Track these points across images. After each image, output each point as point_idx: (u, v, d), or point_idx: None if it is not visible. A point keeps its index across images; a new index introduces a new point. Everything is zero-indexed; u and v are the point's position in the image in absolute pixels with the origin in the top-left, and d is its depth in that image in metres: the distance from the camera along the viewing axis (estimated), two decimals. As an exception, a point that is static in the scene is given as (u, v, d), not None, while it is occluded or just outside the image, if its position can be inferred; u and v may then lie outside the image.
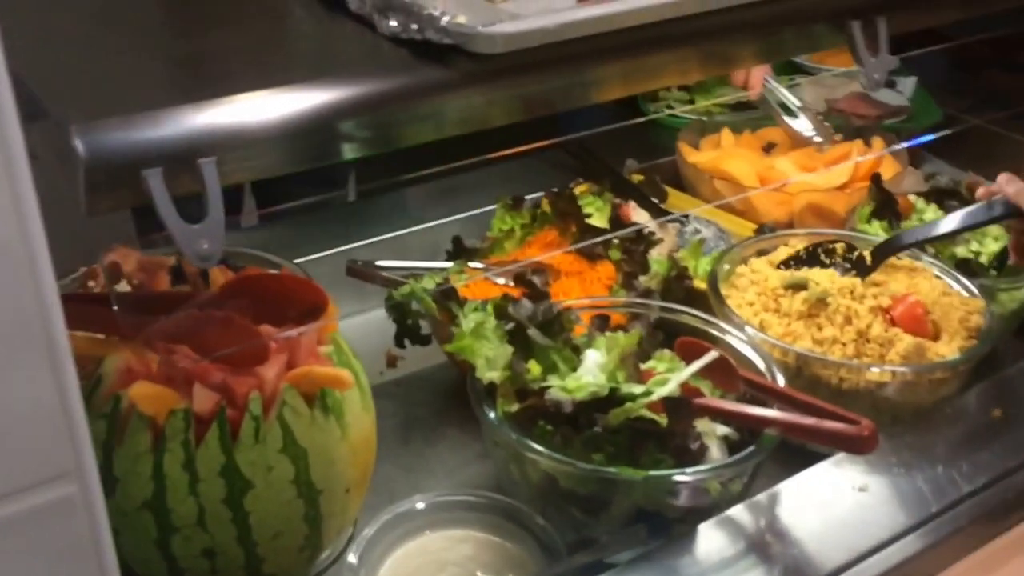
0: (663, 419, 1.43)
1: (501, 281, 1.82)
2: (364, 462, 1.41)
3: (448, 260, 1.93)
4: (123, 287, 1.62)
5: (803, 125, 2.41)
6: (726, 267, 1.86)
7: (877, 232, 1.98)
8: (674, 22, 1.20)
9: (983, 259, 1.94)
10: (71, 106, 0.98)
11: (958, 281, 1.84)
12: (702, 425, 1.48)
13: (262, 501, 1.28)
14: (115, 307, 1.34)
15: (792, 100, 2.44)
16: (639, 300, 1.72)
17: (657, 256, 1.87)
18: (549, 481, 1.43)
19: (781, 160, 2.32)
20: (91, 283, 1.69)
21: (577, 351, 1.54)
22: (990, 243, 1.97)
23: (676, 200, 2.31)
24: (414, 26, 1.12)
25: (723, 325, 1.67)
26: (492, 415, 1.46)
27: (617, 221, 1.96)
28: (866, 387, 1.63)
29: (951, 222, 1.81)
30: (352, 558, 1.37)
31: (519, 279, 1.73)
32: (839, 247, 1.91)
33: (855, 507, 1.47)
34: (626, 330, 1.56)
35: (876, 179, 2.09)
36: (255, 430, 1.27)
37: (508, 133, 1.26)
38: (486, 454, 1.64)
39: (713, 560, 1.39)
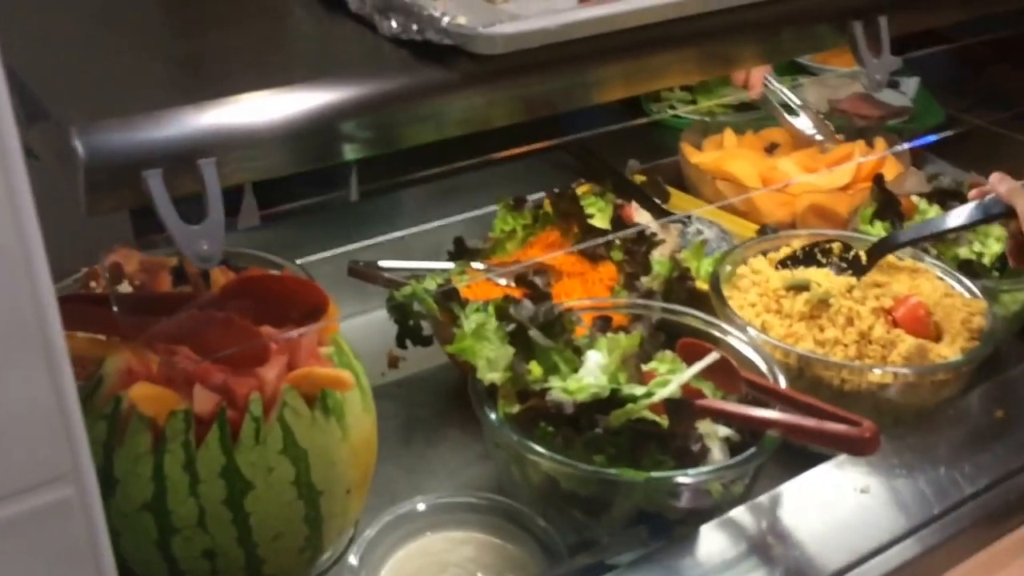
0: (664, 420, 1.43)
1: (503, 282, 1.82)
2: (365, 463, 1.41)
3: (450, 261, 1.93)
4: (125, 288, 1.62)
5: (804, 124, 2.41)
6: (728, 268, 1.86)
7: (879, 233, 1.98)
8: (675, 23, 1.19)
9: (985, 260, 1.94)
10: (71, 107, 0.97)
11: (960, 282, 1.84)
12: (704, 426, 1.48)
13: (263, 502, 1.28)
14: (115, 308, 1.34)
15: (792, 99, 2.44)
16: (641, 301, 1.72)
17: (659, 257, 1.87)
18: (550, 482, 1.43)
19: (783, 161, 2.32)
20: (93, 283, 1.68)
21: (578, 352, 1.53)
22: (992, 244, 1.97)
23: (678, 201, 2.31)
24: (414, 27, 1.11)
25: (725, 326, 1.67)
26: (493, 416, 1.46)
27: (619, 222, 1.95)
28: (868, 388, 1.63)
29: (944, 221, 1.81)
30: (353, 559, 1.37)
31: (521, 280, 1.72)
32: (835, 246, 1.91)
33: (857, 509, 1.47)
34: (628, 331, 1.56)
35: (878, 180, 2.09)
36: (255, 431, 1.27)
37: (510, 133, 1.26)
38: (487, 455, 1.64)
39: (714, 562, 1.38)
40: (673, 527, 1.43)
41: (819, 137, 2.39)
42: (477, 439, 1.66)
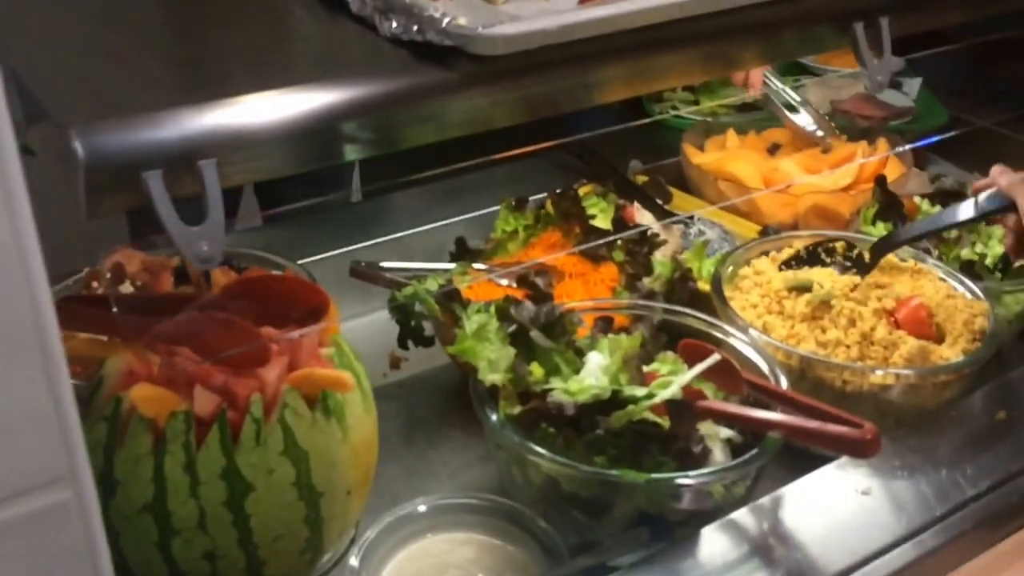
0: (666, 422, 1.43)
1: (504, 282, 1.82)
2: (366, 464, 1.41)
3: (451, 261, 1.93)
4: (127, 288, 1.62)
5: (805, 121, 2.41)
6: (729, 269, 1.86)
7: (881, 234, 1.97)
8: (675, 23, 1.20)
9: (987, 261, 1.93)
10: (71, 107, 0.98)
11: (962, 283, 1.84)
12: (705, 428, 1.48)
13: (263, 504, 1.28)
14: (114, 309, 1.34)
15: (792, 96, 2.44)
16: (642, 302, 1.72)
17: (661, 258, 1.87)
18: (551, 484, 1.43)
19: (786, 161, 2.32)
20: (94, 284, 1.68)
21: (580, 353, 1.53)
22: (995, 245, 1.97)
23: (680, 201, 2.30)
24: (415, 28, 1.12)
25: (726, 327, 1.67)
26: (494, 417, 1.46)
27: (621, 222, 1.95)
28: (870, 390, 1.63)
29: (946, 217, 1.80)
30: (354, 561, 1.37)
31: (522, 280, 1.72)
32: (839, 246, 1.91)
33: (858, 511, 1.47)
34: (629, 332, 1.56)
35: (881, 181, 2.08)
36: (256, 432, 1.27)
37: (512, 134, 1.26)
38: (489, 456, 1.64)
39: (716, 563, 1.38)
40: (674, 529, 1.43)
41: (820, 133, 2.39)
42: (479, 440, 1.65)
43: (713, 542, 1.41)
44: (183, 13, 1.26)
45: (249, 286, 1.42)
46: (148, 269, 1.67)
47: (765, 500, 1.47)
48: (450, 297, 1.68)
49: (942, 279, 1.85)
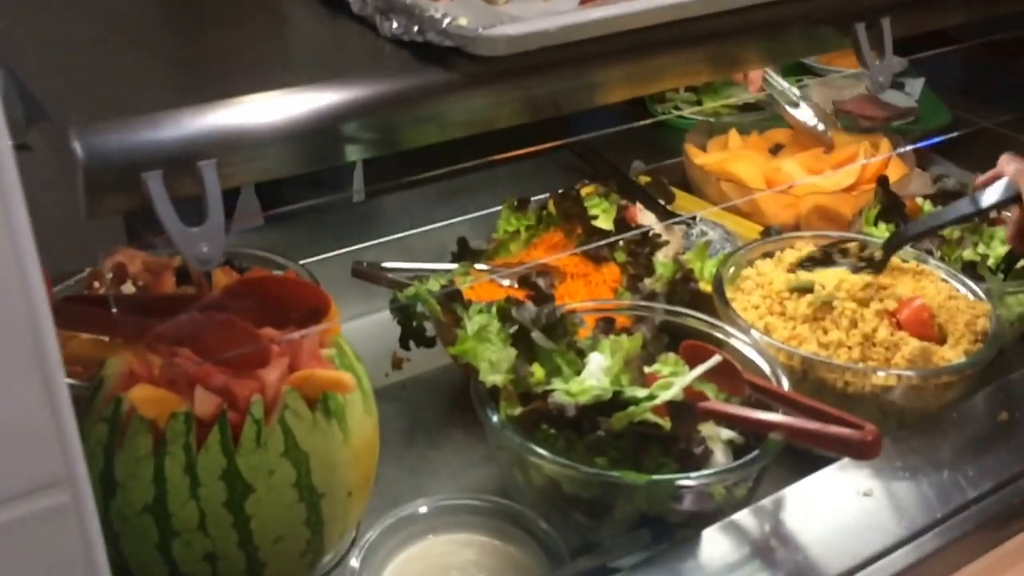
0: (667, 423, 1.43)
1: (506, 283, 1.82)
2: (366, 466, 1.41)
3: (453, 262, 1.92)
4: (129, 288, 1.62)
5: (805, 115, 2.41)
6: (731, 270, 1.85)
7: (883, 235, 1.97)
8: (676, 24, 1.19)
9: (990, 262, 1.93)
10: (71, 108, 0.97)
11: (964, 284, 1.83)
12: (706, 429, 1.48)
13: (263, 505, 1.28)
14: (114, 310, 1.34)
15: (792, 90, 2.44)
16: (643, 303, 1.72)
17: (663, 258, 1.87)
18: (552, 485, 1.43)
19: (788, 162, 2.32)
20: (96, 284, 1.68)
21: (581, 354, 1.53)
22: (997, 246, 1.97)
23: (683, 202, 2.30)
24: (415, 28, 1.11)
25: (728, 328, 1.66)
26: (495, 418, 1.46)
27: (623, 223, 1.95)
28: (872, 391, 1.63)
29: (955, 210, 1.80)
30: (354, 562, 1.37)
31: (524, 281, 1.72)
32: (852, 246, 1.90)
33: (860, 512, 1.47)
34: (631, 333, 1.56)
35: (883, 182, 2.08)
36: (256, 434, 1.27)
37: (515, 134, 1.26)
38: (491, 457, 1.64)
39: (717, 565, 1.38)
40: (676, 530, 1.43)
41: (821, 127, 2.39)
42: (480, 441, 1.65)
43: (714, 544, 1.41)
44: (183, 13, 1.26)
45: (250, 287, 1.42)
46: (150, 269, 1.67)
47: (766, 501, 1.47)
48: (451, 298, 1.68)
49: (944, 280, 1.85)
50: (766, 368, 1.58)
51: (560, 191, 1.99)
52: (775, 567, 1.38)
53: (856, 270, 1.84)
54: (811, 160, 2.33)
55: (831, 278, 1.78)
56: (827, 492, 1.50)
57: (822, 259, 1.89)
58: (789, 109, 2.42)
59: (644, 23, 1.17)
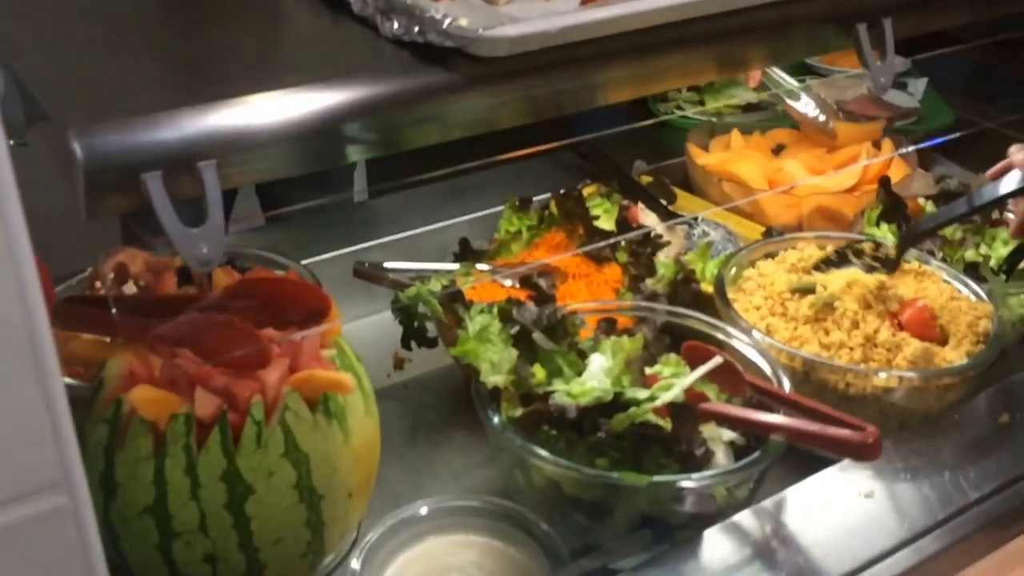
0: (668, 424, 1.43)
1: (508, 283, 1.82)
2: (367, 467, 1.40)
3: (455, 262, 1.92)
4: (130, 288, 1.62)
5: (807, 106, 2.40)
6: (733, 271, 1.85)
7: (885, 235, 1.97)
8: (677, 25, 1.19)
9: (992, 263, 1.93)
10: (70, 109, 0.97)
11: (966, 285, 1.83)
12: (708, 430, 1.47)
13: (263, 506, 1.28)
14: (113, 310, 1.34)
15: (792, 83, 2.43)
16: (645, 304, 1.72)
17: (664, 259, 1.87)
18: (553, 486, 1.43)
19: (790, 162, 2.32)
20: (98, 284, 1.68)
21: (582, 355, 1.53)
22: (999, 247, 1.96)
23: (685, 202, 2.30)
24: (416, 29, 1.11)
25: (729, 329, 1.66)
26: (496, 419, 1.46)
27: (624, 223, 1.95)
28: (873, 392, 1.62)
29: (966, 203, 1.79)
30: (355, 563, 1.37)
31: (525, 281, 1.72)
32: (867, 246, 1.90)
33: (861, 514, 1.46)
34: (632, 334, 1.55)
35: (884, 182, 2.08)
36: (257, 435, 1.26)
37: (517, 134, 1.26)
38: (492, 458, 1.64)
39: (718, 567, 1.38)
40: (677, 531, 1.42)
41: (823, 118, 2.38)
42: (482, 441, 1.65)
43: (715, 545, 1.40)
44: (183, 14, 1.25)
45: (250, 288, 1.42)
46: (151, 269, 1.67)
47: (768, 503, 1.47)
48: (453, 298, 1.68)
49: (946, 281, 1.85)
50: (767, 369, 1.58)
51: (562, 191, 1.99)
52: (776, 568, 1.38)
53: (870, 270, 1.83)
54: (813, 160, 2.33)
55: (844, 279, 1.77)
56: (828, 493, 1.50)
57: (836, 260, 1.88)
58: (790, 102, 2.41)
59: (645, 24, 1.17)
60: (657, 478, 1.38)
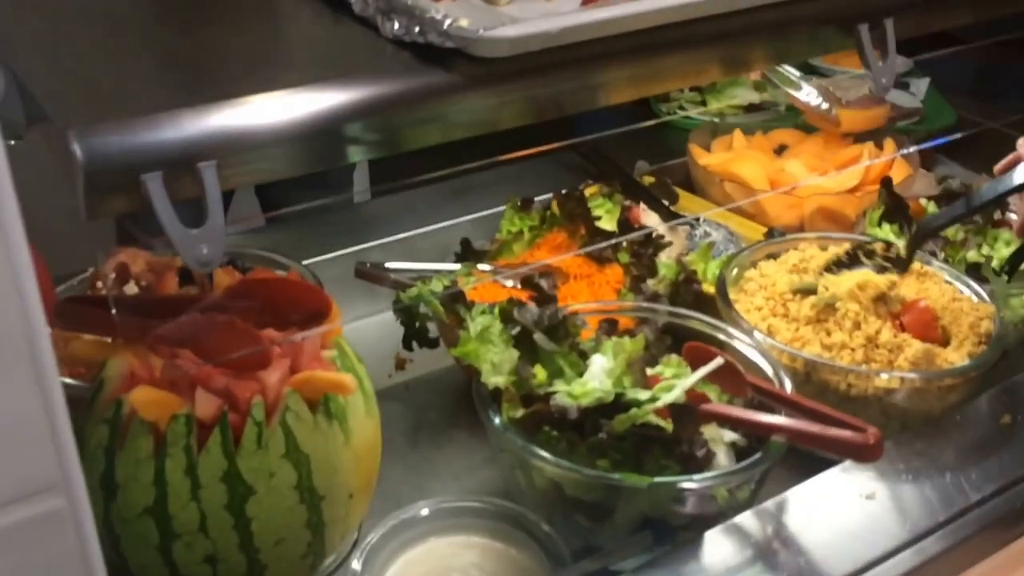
0: (669, 425, 1.42)
1: (509, 284, 1.82)
2: (368, 467, 1.40)
3: (456, 262, 1.92)
4: (131, 288, 1.62)
5: (810, 95, 2.40)
6: (734, 271, 1.85)
7: (887, 236, 1.97)
8: (677, 26, 1.19)
9: (994, 264, 1.92)
10: (70, 110, 0.97)
11: (968, 286, 1.83)
12: (709, 431, 1.47)
13: (264, 507, 1.28)
14: (113, 311, 1.33)
15: (792, 72, 2.43)
16: (646, 304, 1.71)
17: (666, 259, 1.86)
18: (554, 487, 1.43)
19: (792, 163, 2.31)
20: (99, 284, 1.68)
21: (583, 356, 1.53)
22: (1001, 247, 1.96)
23: (687, 202, 2.30)
24: (416, 29, 1.11)
25: (731, 330, 1.66)
26: (497, 420, 1.45)
27: (626, 223, 1.95)
28: (875, 393, 1.62)
29: (975, 199, 1.78)
30: (356, 564, 1.37)
31: (527, 282, 1.72)
32: (877, 247, 1.89)
33: (862, 515, 1.46)
34: (633, 335, 1.55)
35: (886, 183, 2.07)
36: (257, 435, 1.26)
37: (519, 134, 1.25)
38: (494, 458, 1.63)
39: (719, 568, 1.38)
40: (678, 533, 1.42)
41: (825, 106, 2.38)
42: (484, 442, 1.65)
43: (717, 546, 1.40)
44: (183, 13, 1.25)
45: (251, 288, 1.41)
46: (153, 269, 1.67)
47: (769, 504, 1.47)
48: (454, 299, 1.68)
49: (948, 282, 1.85)
50: (769, 370, 1.58)
51: (564, 191, 1.99)
52: (778, 570, 1.38)
53: (881, 270, 1.83)
54: (815, 161, 2.33)
55: (856, 280, 1.77)
56: (830, 495, 1.49)
57: (848, 262, 1.88)
58: (792, 92, 2.41)
59: (646, 24, 1.16)
60: (658, 479, 1.37)
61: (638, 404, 1.42)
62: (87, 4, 1.25)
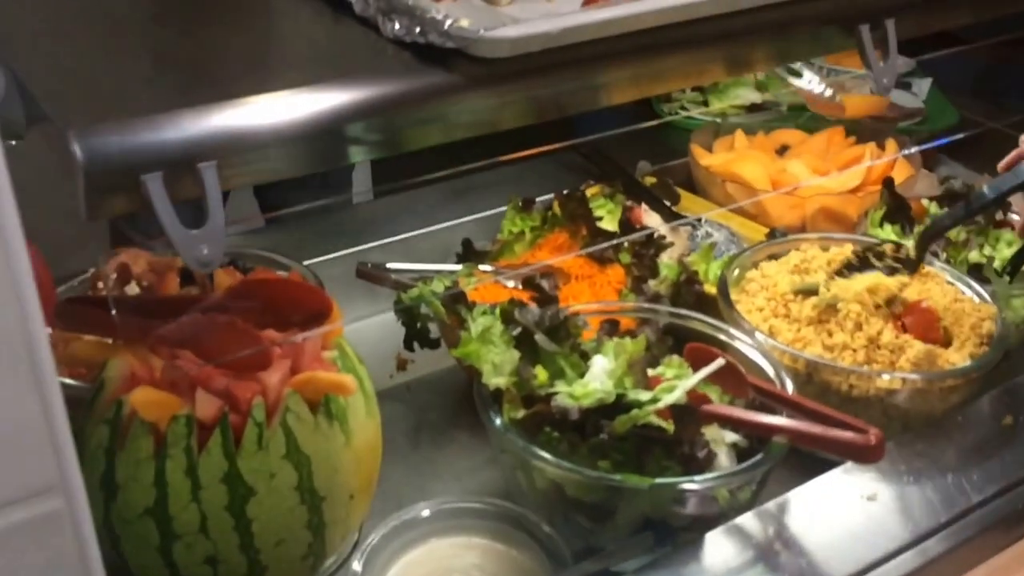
0: (670, 426, 1.42)
1: (510, 284, 1.81)
2: (369, 468, 1.40)
3: (458, 263, 1.92)
4: (133, 289, 1.62)
5: (811, 82, 2.40)
6: (736, 272, 1.85)
7: (889, 236, 1.96)
8: (678, 26, 1.19)
9: (996, 264, 1.92)
10: (70, 110, 0.97)
11: (970, 287, 1.83)
12: (710, 432, 1.47)
13: (265, 508, 1.27)
14: (113, 311, 1.33)
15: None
16: (648, 305, 1.71)
17: (667, 260, 1.86)
18: (555, 488, 1.42)
19: (794, 163, 2.31)
20: (100, 284, 1.68)
21: (585, 357, 1.52)
22: (1003, 248, 1.96)
23: (688, 203, 2.30)
24: (417, 29, 1.11)
25: (732, 331, 1.66)
26: (498, 421, 1.45)
27: (628, 224, 1.95)
28: (876, 394, 1.62)
29: (983, 196, 1.77)
30: (357, 565, 1.36)
31: (528, 283, 1.72)
32: (888, 248, 1.89)
33: (864, 516, 1.46)
34: (635, 335, 1.55)
35: (888, 183, 2.07)
36: (258, 436, 1.26)
37: (520, 134, 1.26)
38: (495, 459, 1.63)
39: (720, 569, 1.38)
40: (679, 534, 1.42)
41: (828, 92, 2.38)
42: (485, 443, 1.65)
43: (718, 547, 1.40)
44: (184, 14, 1.25)
45: (252, 289, 1.41)
46: (154, 270, 1.66)
47: (770, 505, 1.47)
48: (455, 299, 1.68)
49: (950, 282, 1.85)
50: (770, 371, 1.58)
51: (565, 192, 1.99)
52: (779, 571, 1.37)
53: (891, 272, 1.82)
54: (817, 161, 2.32)
55: (866, 283, 1.76)
56: (831, 496, 1.49)
57: (858, 264, 1.87)
58: (794, 81, 2.41)
59: (647, 25, 1.16)
60: (659, 480, 1.37)
61: (639, 405, 1.42)
62: (87, 4, 1.25)
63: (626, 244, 1.88)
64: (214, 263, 0.99)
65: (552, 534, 1.41)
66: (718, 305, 1.76)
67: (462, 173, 2.04)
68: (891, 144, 2.39)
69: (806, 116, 2.61)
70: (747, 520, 1.44)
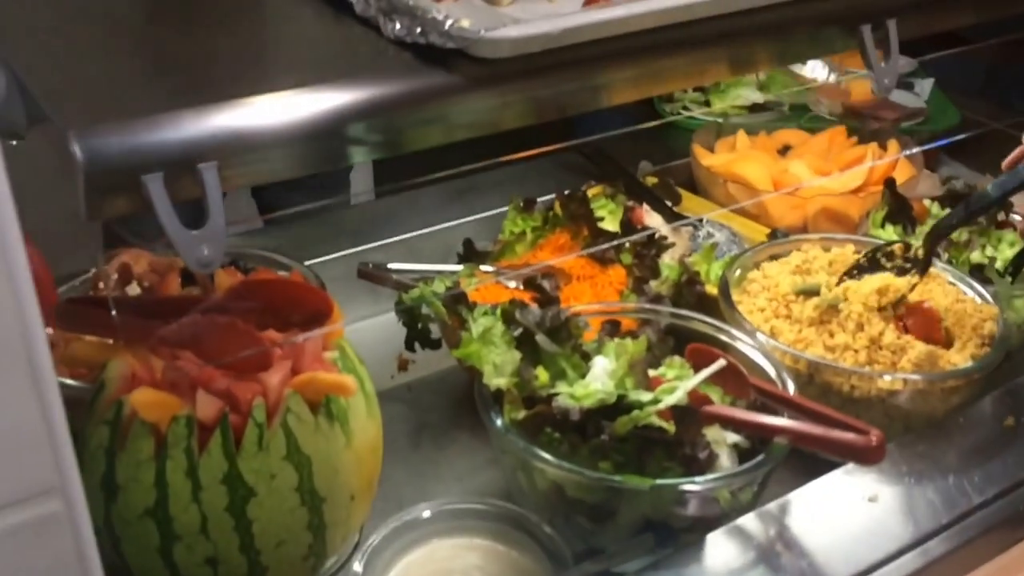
0: (671, 427, 1.42)
1: (512, 285, 1.81)
2: (369, 469, 1.40)
3: (459, 263, 1.92)
4: (134, 289, 1.62)
5: (815, 69, 2.40)
6: (737, 272, 1.85)
7: (890, 237, 1.96)
8: (679, 26, 1.19)
9: (998, 265, 1.92)
10: (70, 110, 0.97)
11: (972, 288, 1.82)
12: (712, 433, 1.47)
13: (265, 509, 1.27)
14: (113, 312, 1.33)
15: None
16: (649, 306, 1.71)
17: (669, 261, 1.86)
18: (556, 489, 1.42)
19: (795, 163, 2.31)
20: (101, 285, 1.68)
21: (586, 357, 1.52)
22: (1005, 248, 1.96)
23: (690, 203, 2.30)
24: (418, 30, 1.11)
25: (734, 331, 1.66)
26: (499, 422, 1.45)
27: (629, 224, 1.94)
28: (878, 395, 1.62)
29: (988, 195, 1.77)
30: (357, 567, 1.36)
31: (529, 283, 1.71)
32: (897, 248, 1.88)
33: (865, 517, 1.46)
34: (636, 336, 1.55)
35: (890, 184, 2.07)
36: (259, 437, 1.26)
37: (522, 134, 1.25)
38: (496, 460, 1.63)
39: (722, 570, 1.38)
40: (680, 535, 1.42)
41: (833, 77, 2.38)
42: (486, 444, 1.65)
43: (719, 548, 1.40)
44: (184, 14, 1.25)
45: (253, 289, 1.41)
46: (155, 270, 1.66)
47: (772, 506, 1.47)
48: (456, 300, 1.68)
49: (951, 283, 1.84)
50: (771, 371, 1.58)
51: (566, 192, 1.98)
52: (780, 572, 1.37)
53: (901, 272, 1.82)
54: (819, 162, 2.32)
55: (877, 284, 1.76)
56: (832, 497, 1.49)
57: (868, 266, 1.87)
58: (798, 69, 2.41)
59: (648, 25, 1.16)
60: (660, 481, 1.37)
61: (640, 406, 1.41)
62: (87, 4, 1.25)
63: (627, 244, 1.88)
64: (215, 263, 0.98)
65: (553, 535, 1.41)
66: (719, 306, 1.75)
67: (463, 173, 2.04)
68: (893, 144, 2.39)
69: (808, 116, 2.61)
70: (748, 521, 1.44)
